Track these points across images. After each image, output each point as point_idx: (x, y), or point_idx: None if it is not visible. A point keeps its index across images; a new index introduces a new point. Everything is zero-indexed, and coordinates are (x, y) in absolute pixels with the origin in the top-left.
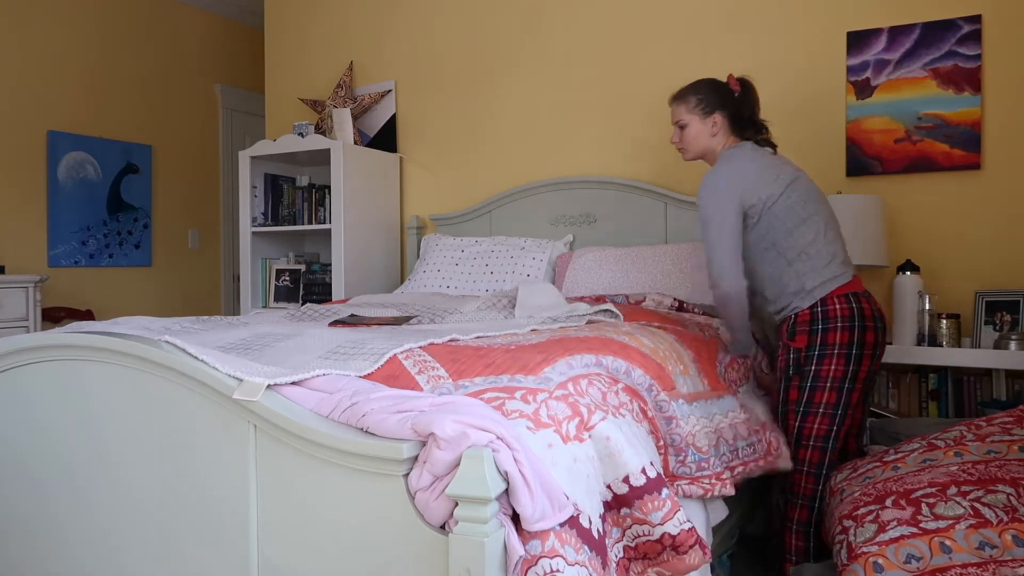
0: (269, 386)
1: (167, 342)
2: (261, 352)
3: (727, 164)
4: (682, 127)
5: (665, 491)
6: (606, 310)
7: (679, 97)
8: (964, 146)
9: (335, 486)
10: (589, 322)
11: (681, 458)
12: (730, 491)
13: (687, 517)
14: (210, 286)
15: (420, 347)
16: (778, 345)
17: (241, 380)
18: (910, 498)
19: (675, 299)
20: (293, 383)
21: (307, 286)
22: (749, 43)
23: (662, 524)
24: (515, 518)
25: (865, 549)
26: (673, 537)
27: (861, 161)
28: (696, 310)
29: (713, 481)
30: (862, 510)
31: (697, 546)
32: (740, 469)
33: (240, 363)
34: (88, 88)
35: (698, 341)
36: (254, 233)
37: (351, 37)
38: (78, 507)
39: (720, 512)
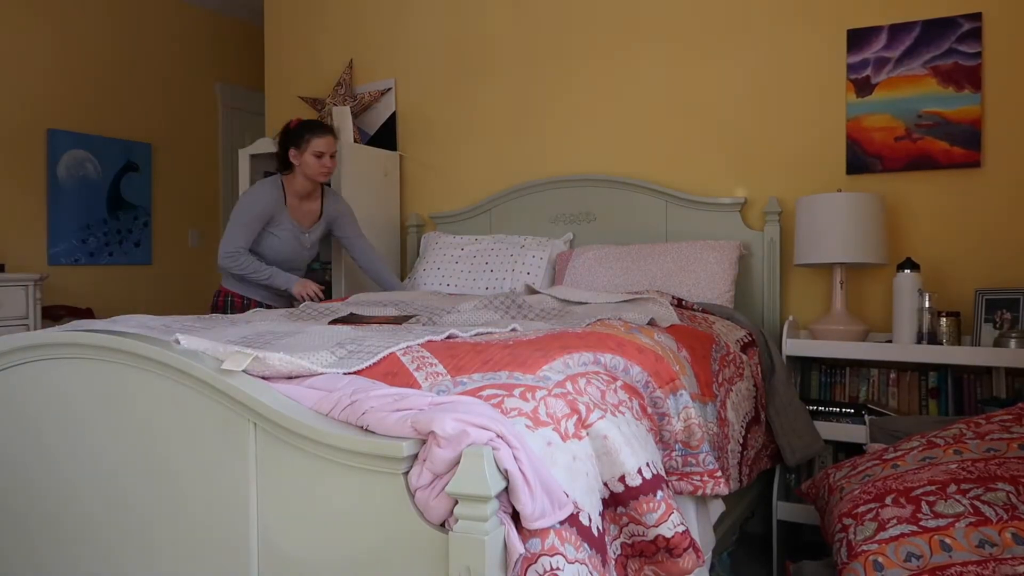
0: (265, 378)
1: (175, 340)
2: (262, 350)
3: None
4: (333, 156)
5: (660, 493)
6: (652, 299)
7: (332, 131)
8: (964, 144)
9: (335, 484)
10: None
11: (668, 453)
12: (723, 490)
13: (682, 519)
14: (210, 284)
15: (419, 344)
16: None
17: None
18: (910, 496)
19: (673, 296)
20: (290, 379)
21: None
22: (749, 41)
23: (656, 526)
24: (515, 516)
25: (865, 547)
26: (667, 540)
27: (861, 159)
28: (696, 307)
29: (705, 478)
30: (862, 508)
31: (691, 550)
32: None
33: (234, 348)
34: (88, 86)
35: (694, 338)
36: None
37: (351, 35)
38: (79, 505)
39: (718, 508)
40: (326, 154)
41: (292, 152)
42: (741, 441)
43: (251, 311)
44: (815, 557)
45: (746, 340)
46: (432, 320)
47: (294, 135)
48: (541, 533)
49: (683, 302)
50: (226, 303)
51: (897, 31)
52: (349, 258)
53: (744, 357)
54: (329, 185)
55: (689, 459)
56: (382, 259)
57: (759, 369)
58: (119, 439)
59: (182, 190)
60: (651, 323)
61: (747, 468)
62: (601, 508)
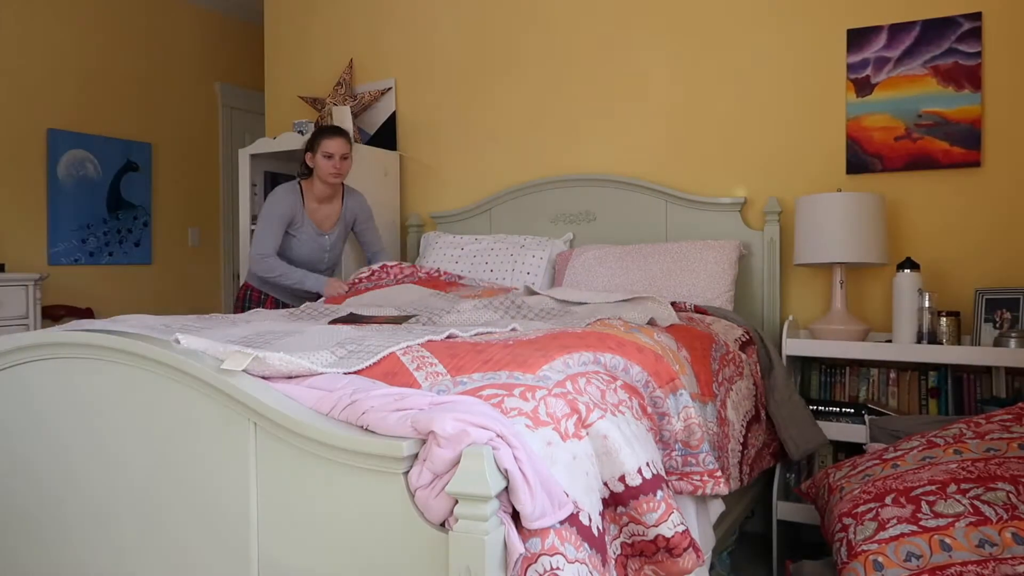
0: (265, 378)
1: (175, 340)
2: (262, 350)
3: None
4: (345, 158)
5: (660, 493)
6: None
7: (344, 134)
8: (964, 144)
9: (335, 484)
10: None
11: (668, 453)
12: (723, 490)
13: (682, 519)
14: (210, 284)
15: (419, 344)
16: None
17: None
18: (910, 496)
19: (670, 302)
20: (290, 379)
21: None
22: (749, 41)
23: (656, 526)
24: (515, 516)
25: (865, 547)
26: (667, 540)
27: (861, 159)
28: (689, 307)
29: (705, 478)
30: (862, 508)
31: (691, 549)
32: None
33: (234, 347)
34: (88, 86)
35: (694, 338)
36: (254, 231)
37: (351, 34)
38: (79, 504)
39: (718, 507)
40: (335, 155)
41: (308, 155)
42: (742, 440)
43: (251, 311)
44: (815, 557)
45: (744, 339)
46: (432, 320)
47: (310, 139)
48: (541, 533)
49: (675, 303)
50: (246, 298)
51: (897, 31)
52: (355, 256)
53: (743, 356)
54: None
55: (689, 459)
56: (383, 253)
57: (758, 367)
58: (121, 437)
59: (182, 190)
60: (651, 323)
61: (747, 467)
62: (601, 508)
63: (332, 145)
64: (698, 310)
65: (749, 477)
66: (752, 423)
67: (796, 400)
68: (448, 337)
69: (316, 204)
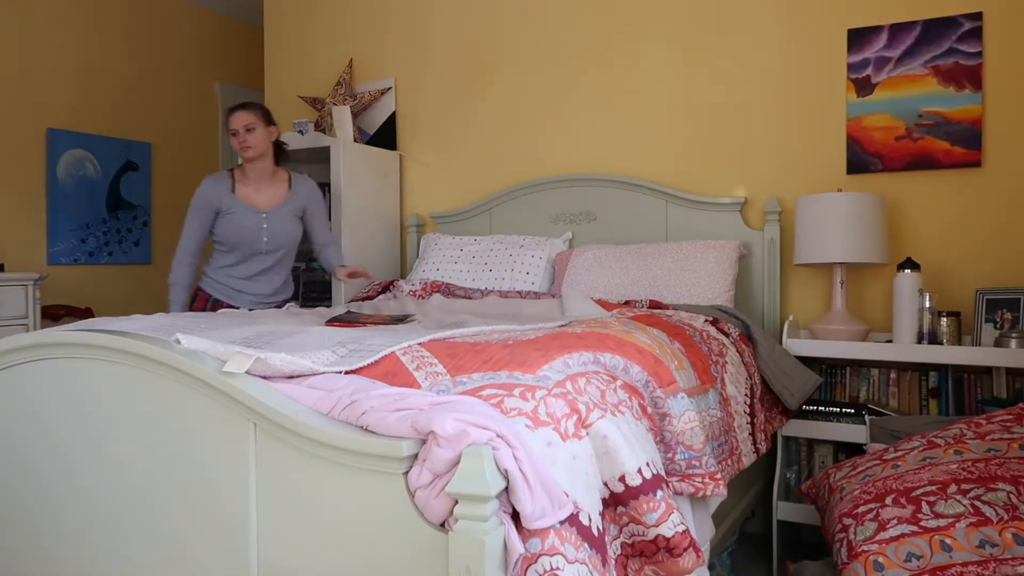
0: (265, 377)
1: (175, 340)
2: (263, 350)
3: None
4: (250, 130)
5: (660, 493)
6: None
7: (247, 107)
8: (965, 144)
9: (335, 484)
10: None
11: (670, 455)
12: (722, 492)
13: (682, 519)
14: None
15: (419, 344)
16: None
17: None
18: (910, 496)
19: (650, 300)
20: (290, 379)
21: (306, 284)
22: (749, 40)
23: (656, 526)
24: (515, 516)
25: (865, 548)
26: (667, 540)
27: (861, 159)
28: (644, 303)
29: (706, 480)
30: (862, 508)
31: (691, 549)
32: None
33: (235, 348)
34: (87, 86)
35: (673, 329)
36: None
37: (351, 34)
38: (79, 504)
39: (717, 497)
40: (239, 130)
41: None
42: (748, 411)
43: (257, 311)
44: (815, 557)
45: (710, 319)
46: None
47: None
48: (541, 533)
49: (629, 301)
50: (195, 298)
51: (897, 31)
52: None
53: (713, 330)
54: (253, 162)
55: (693, 462)
56: (333, 245)
57: (737, 333)
58: (121, 437)
59: (182, 190)
60: (659, 306)
61: (761, 435)
62: (601, 508)
63: (233, 120)
64: (655, 304)
65: (766, 444)
66: (752, 389)
67: (779, 351)
68: (448, 337)
69: (252, 186)
